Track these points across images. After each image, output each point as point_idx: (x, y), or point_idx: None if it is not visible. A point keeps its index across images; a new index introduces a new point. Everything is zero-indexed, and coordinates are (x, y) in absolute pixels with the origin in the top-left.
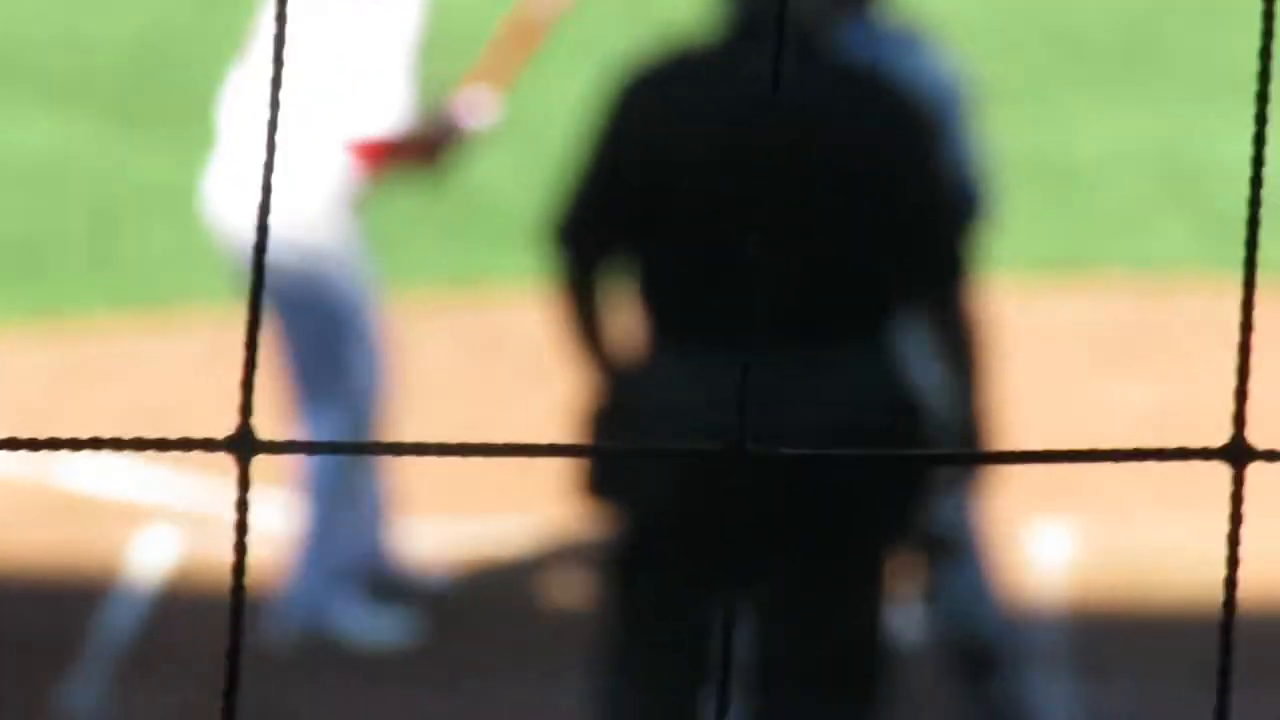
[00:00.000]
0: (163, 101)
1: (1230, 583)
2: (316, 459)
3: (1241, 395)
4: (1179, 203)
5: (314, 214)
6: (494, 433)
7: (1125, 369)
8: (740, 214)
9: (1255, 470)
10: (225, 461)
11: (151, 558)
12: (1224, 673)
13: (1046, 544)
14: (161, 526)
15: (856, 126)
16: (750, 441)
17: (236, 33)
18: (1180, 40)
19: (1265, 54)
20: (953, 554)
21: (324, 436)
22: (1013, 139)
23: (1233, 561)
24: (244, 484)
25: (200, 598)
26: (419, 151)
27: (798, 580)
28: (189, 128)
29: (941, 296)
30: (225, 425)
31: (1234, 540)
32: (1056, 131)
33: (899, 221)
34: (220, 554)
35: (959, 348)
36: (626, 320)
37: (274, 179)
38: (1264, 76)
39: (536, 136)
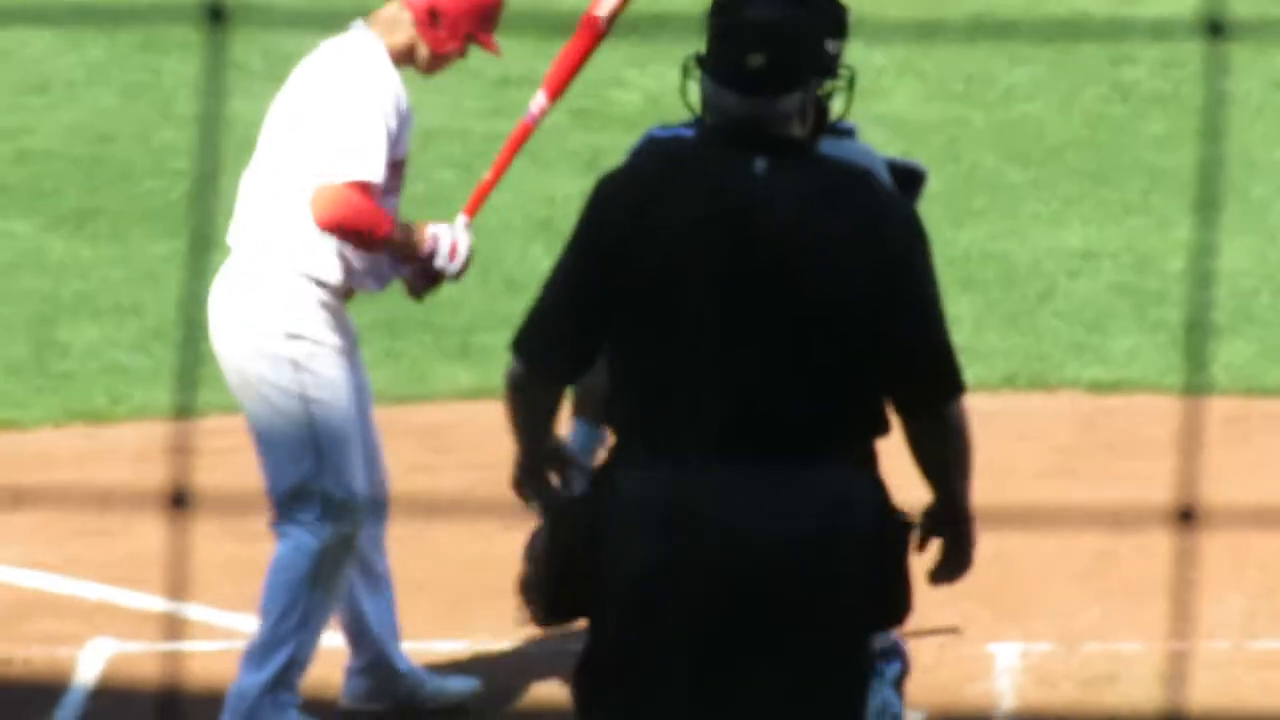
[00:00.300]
0: (102, 204)
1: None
2: (284, 574)
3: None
4: (1138, 312)
5: (310, 317)
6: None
7: (1079, 477)
8: (728, 324)
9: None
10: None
11: (92, 662)
12: None
13: (1000, 659)
14: (103, 636)
15: (851, 230)
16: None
17: (176, 146)
18: (1146, 145)
19: (1207, 167)
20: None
21: (298, 555)
22: (974, 247)
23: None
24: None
25: (136, 699)
26: (411, 275)
27: (782, 693)
28: (130, 232)
29: (934, 407)
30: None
31: (1179, 614)
32: (1004, 235)
33: (893, 334)
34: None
35: (948, 454)
36: (607, 426)
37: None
38: (1206, 188)
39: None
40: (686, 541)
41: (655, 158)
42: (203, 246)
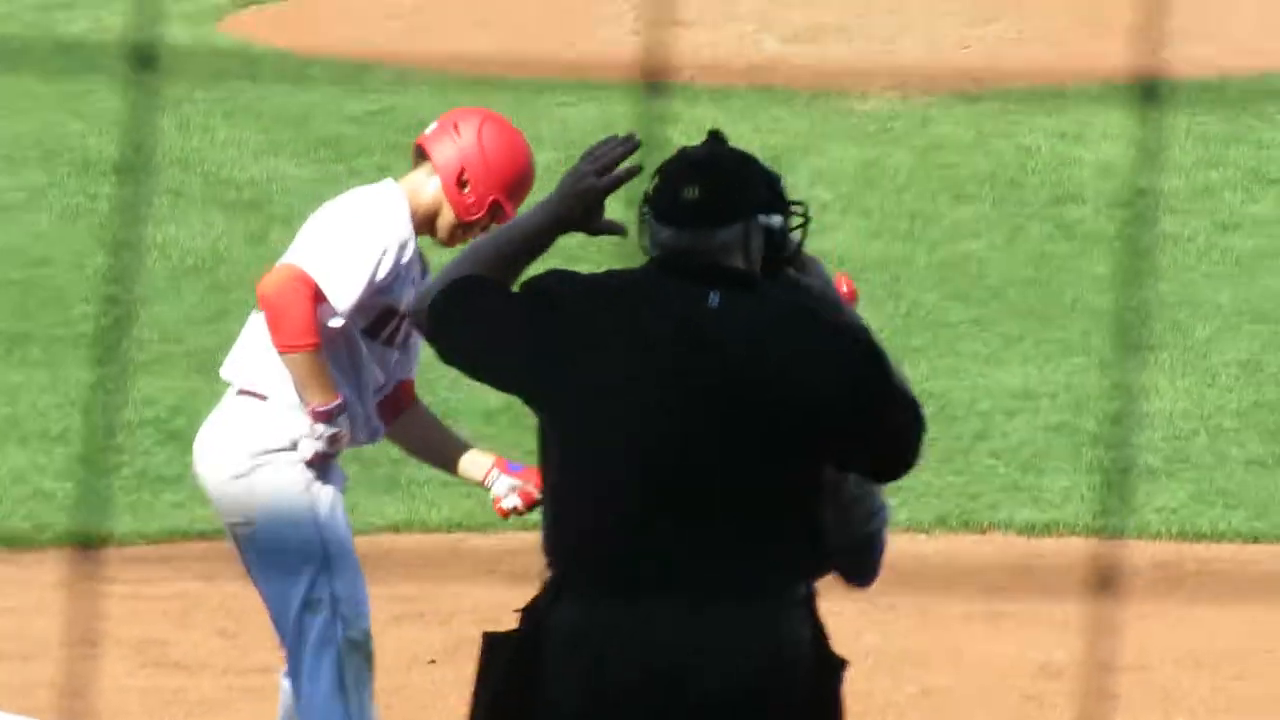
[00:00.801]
0: (33, 329)
1: None
2: (315, 698)
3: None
4: (1074, 451)
5: (297, 469)
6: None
7: (1004, 621)
8: (675, 457)
9: None
10: None
11: None
12: None
13: None
14: None
15: (802, 361)
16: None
17: (110, 272)
18: (1087, 285)
19: (1131, 309)
20: None
21: (321, 675)
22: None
23: None
24: None
25: None
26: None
27: None
28: (59, 356)
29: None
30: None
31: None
32: (946, 374)
33: (852, 457)
34: None
35: None
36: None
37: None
38: (1141, 330)
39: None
40: (623, 681)
41: (618, 281)
42: (124, 373)
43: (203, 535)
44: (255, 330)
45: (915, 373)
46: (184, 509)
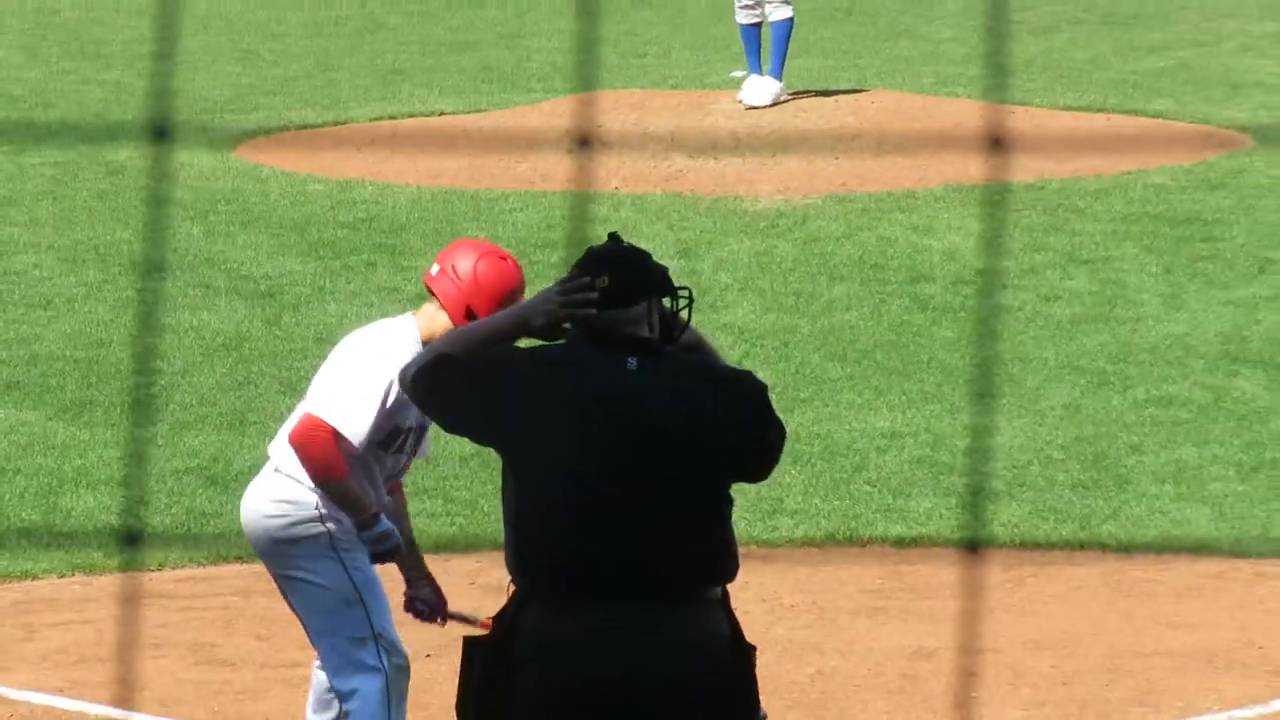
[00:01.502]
0: (96, 396)
1: None
2: (364, 713)
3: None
4: (934, 480)
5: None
6: None
7: (887, 614)
8: (606, 492)
9: None
10: None
11: None
12: None
13: None
14: None
15: (710, 409)
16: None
17: (157, 350)
18: (939, 347)
19: (975, 365)
20: None
21: (370, 695)
22: (801, 429)
23: None
24: None
25: None
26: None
27: None
28: (118, 417)
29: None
30: None
31: None
32: (827, 420)
33: (754, 480)
34: None
35: None
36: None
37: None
38: (984, 381)
39: None
40: (579, 673)
41: (554, 354)
42: (181, 428)
43: (240, 560)
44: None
45: (804, 418)
46: (224, 539)
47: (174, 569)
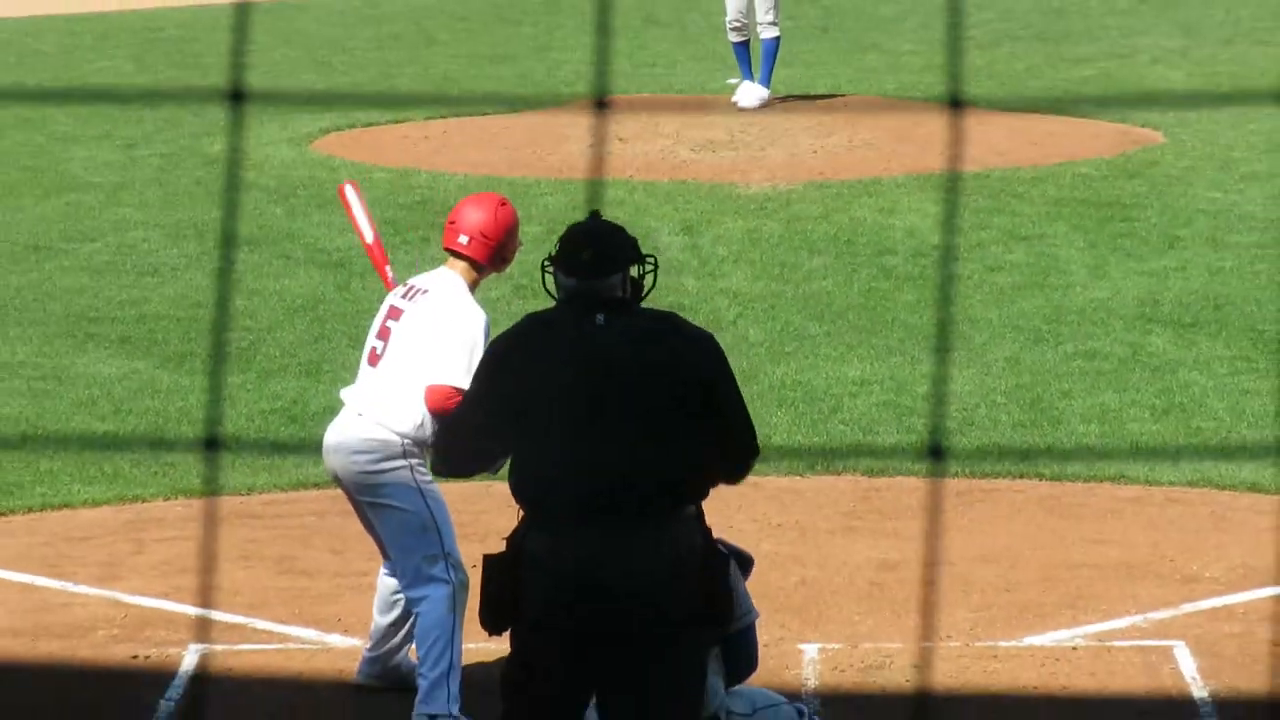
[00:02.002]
0: (195, 349)
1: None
2: (435, 627)
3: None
4: (898, 420)
5: (413, 445)
6: None
7: (859, 532)
8: (588, 429)
9: None
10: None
11: (190, 658)
12: None
13: (805, 654)
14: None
15: (667, 354)
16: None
17: (246, 311)
18: (901, 309)
19: (931, 325)
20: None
21: (439, 600)
22: (786, 377)
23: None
24: None
25: (220, 683)
26: None
27: (642, 682)
28: (213, 366)
29: (733, 476)
30: None
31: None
32: (807, 370)
33: (710, 419)
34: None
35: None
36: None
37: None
38: (942, 335)
39: None
40: (575, 580)
41: (531, 322)
42: (264, 379)
43: (316, 486)
44: (392, 394)
45: (788, 369)
46: (302, 468)
47: (260, 493)
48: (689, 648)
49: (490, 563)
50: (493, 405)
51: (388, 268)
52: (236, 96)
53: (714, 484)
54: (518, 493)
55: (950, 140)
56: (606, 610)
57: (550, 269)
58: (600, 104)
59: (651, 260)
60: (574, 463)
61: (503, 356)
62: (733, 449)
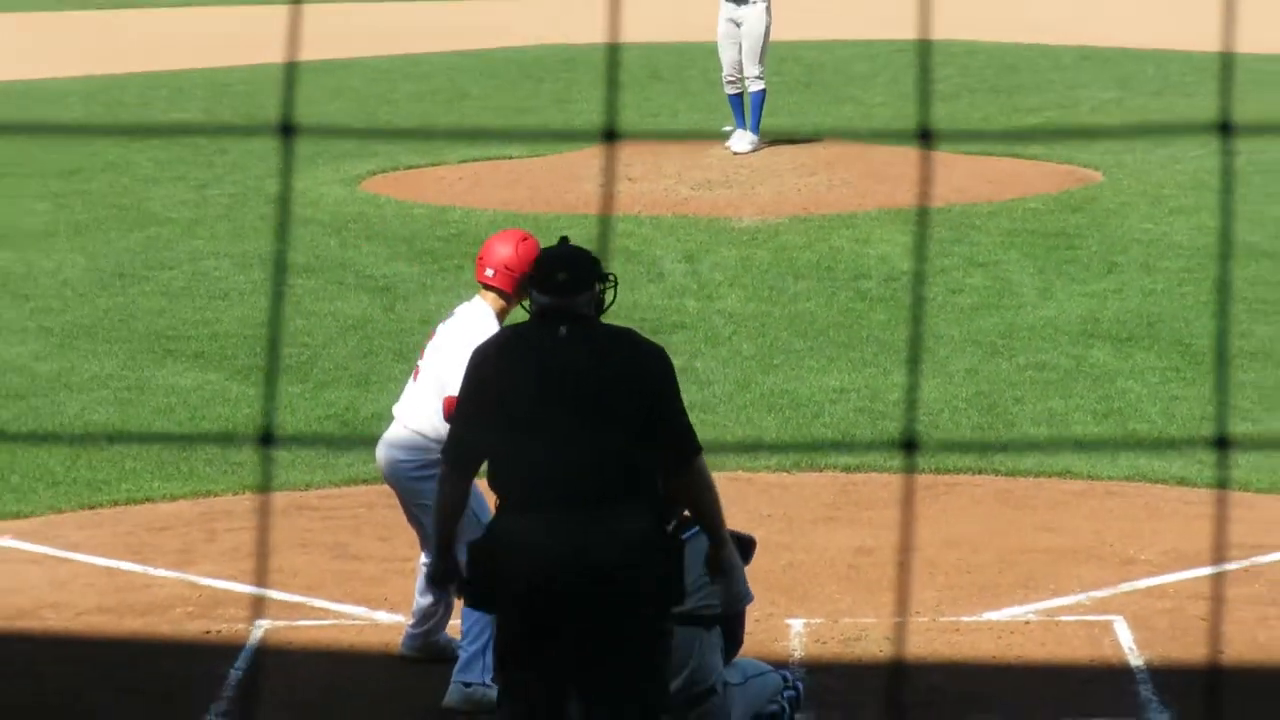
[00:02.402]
0: (260, 363)
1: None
2: None
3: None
4: (873, 424)
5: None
6: None
7: (839, 521)
8: (553, 427)
9: None
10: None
11: (257, 633)
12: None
13: (792, 628)
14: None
15: (621, 363)
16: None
17: (303, 331)
18: (875, 326)
19: (901, 340)
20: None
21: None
22: (775, 387)
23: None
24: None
25: (285, 655)
26: None
27: (608, 662)
28: (279, 381)
29: (687, 462)
30: None
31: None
32: (793, 380)
33: (657, 421)
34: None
35: (704, 496)
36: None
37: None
38: (913, 348)
39: None
40: (544, 560)
41: (506, 334)
42: (321, 386)
43: (365, 482)
44: (424, 404)
45: (776, 379)
46: (353, 467)
47: (316, 489)
48: (647, 623)
49: (473, 548)
50: (472, 405)
51: None
52: (287, 130)
53: (662, 477)
54: (493, 482)
55: (918, 179)
56: (571, 585)
57: (529, 289)
58: (609, 135)
59: (611, 279)
60: (540, 456)
61: (481, 363)
62: (674, 448)
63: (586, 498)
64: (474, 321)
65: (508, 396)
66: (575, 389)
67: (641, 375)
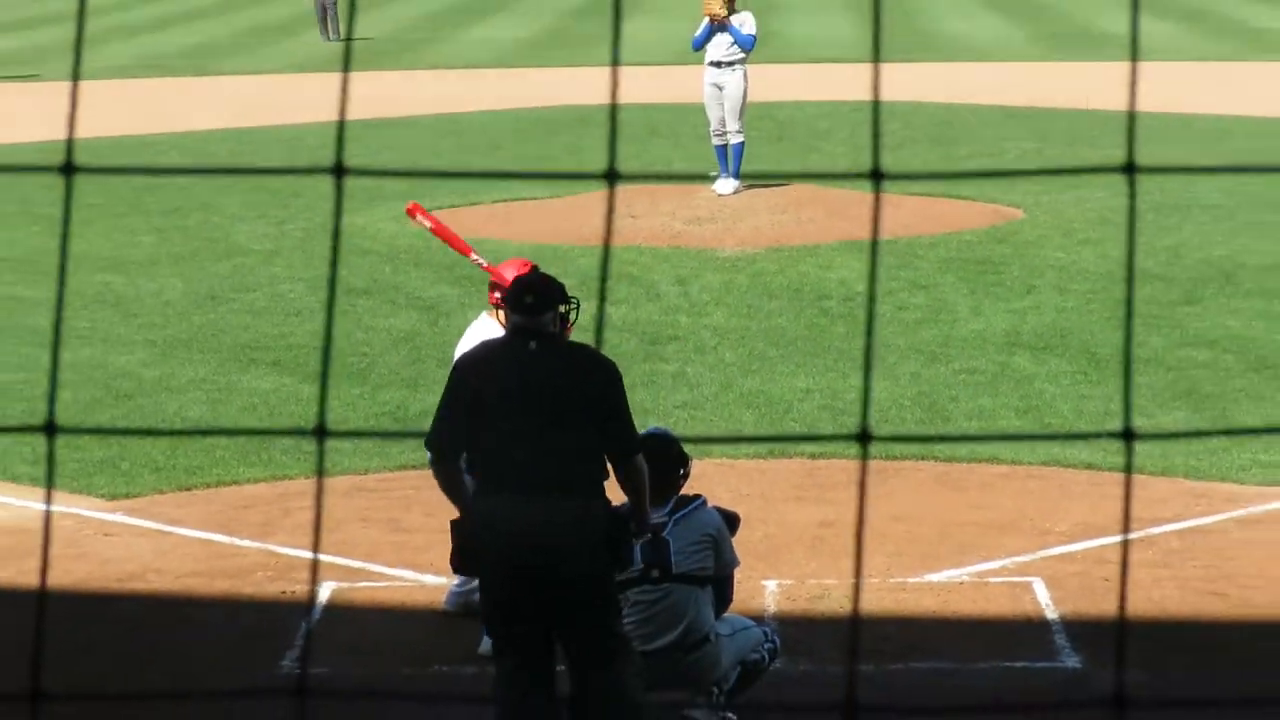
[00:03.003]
0: (330, 370)
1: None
2: None
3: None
4: (834, 419)
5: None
6: None
7: (806, 499)
8: (519, 426)
9: None
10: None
11: (324, 594)
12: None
13: (766, 589)
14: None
15: (578, 374)
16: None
17: (362, 342)
18: (835, 338)
19: (859, 349)
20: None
21: None
22: (754, 390)
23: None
24: None
25: (348, 611)
26: None
27: (573, 613)
28: (341, 383)
29: (629, 459)
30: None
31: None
32: (768, 383)
33: (606, 423)
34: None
35: (638, 486)
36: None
37: None
38: (866, 356)
39: None
40: (510, 538)
41: (487, 345)
42: (375, 390)
43: (414, 468)
44: None
45: (754, 383)
46: (404, 455)
47: (374, 473)
48: (601, 586)
49: (455, 523)
50: (453, 407)
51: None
52: (339, 172)
53: (611, 468)
54: (470, 469)
55: (870, 216)
56: (535, 555)
57: (506, 309)
58: (612, 179)
59: (575, 301)
60: (510, 449)
61: (462, 370)
62: (619, 447)
63: (546, 483)
64: (467, 335)
65: (483, 398)
66: (539, 394)
67: (595, 384)
